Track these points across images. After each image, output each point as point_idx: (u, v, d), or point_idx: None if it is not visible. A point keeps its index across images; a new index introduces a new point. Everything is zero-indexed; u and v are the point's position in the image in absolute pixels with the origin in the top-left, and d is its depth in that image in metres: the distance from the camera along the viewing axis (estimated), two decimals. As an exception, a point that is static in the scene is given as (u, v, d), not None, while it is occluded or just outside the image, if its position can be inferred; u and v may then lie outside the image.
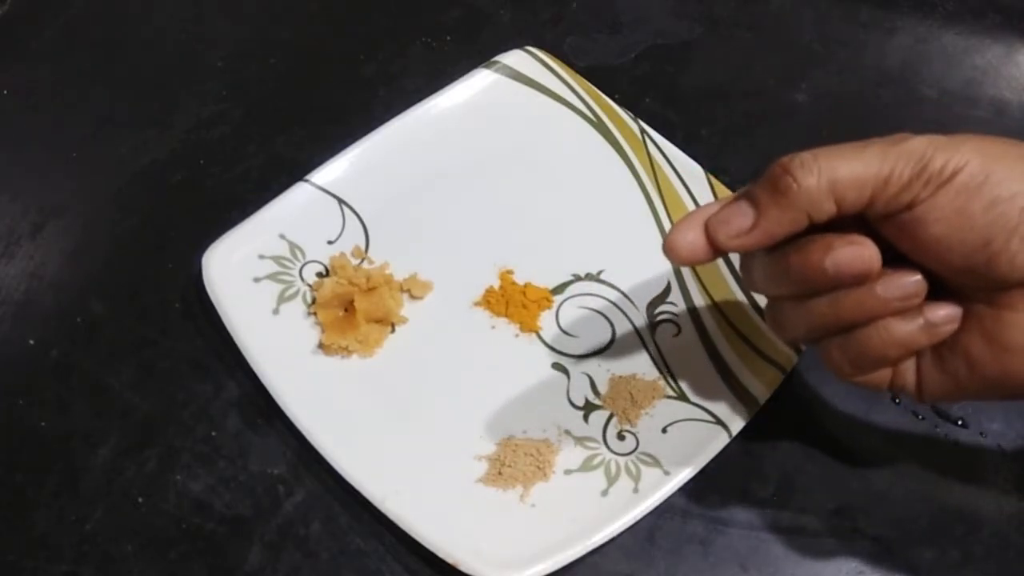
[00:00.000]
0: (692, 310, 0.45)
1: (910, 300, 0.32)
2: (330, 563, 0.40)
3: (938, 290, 0.33)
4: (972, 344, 0.33)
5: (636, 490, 0.40)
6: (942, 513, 0.41)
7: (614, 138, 0.50)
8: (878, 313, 0.33)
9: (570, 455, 0.42)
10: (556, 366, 0.44)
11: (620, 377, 0.43)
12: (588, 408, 0.43)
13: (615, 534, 0.39)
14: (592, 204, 0.48)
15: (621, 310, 0.45)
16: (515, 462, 0.41)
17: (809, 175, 0.31)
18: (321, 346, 0.44)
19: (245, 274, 0.45)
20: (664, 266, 0.46)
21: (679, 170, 0.48)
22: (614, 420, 0.42)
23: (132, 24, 0.56)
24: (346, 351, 0.44)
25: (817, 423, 0.42)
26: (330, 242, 0.47)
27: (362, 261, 0.47)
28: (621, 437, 0.42)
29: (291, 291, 0.45)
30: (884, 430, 0.42)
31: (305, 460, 0.42)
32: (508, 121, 0.50)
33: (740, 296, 0.45)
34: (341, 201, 0.48)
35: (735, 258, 0.46)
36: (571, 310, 0.45)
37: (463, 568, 0.38)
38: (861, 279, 0.32)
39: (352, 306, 0.44)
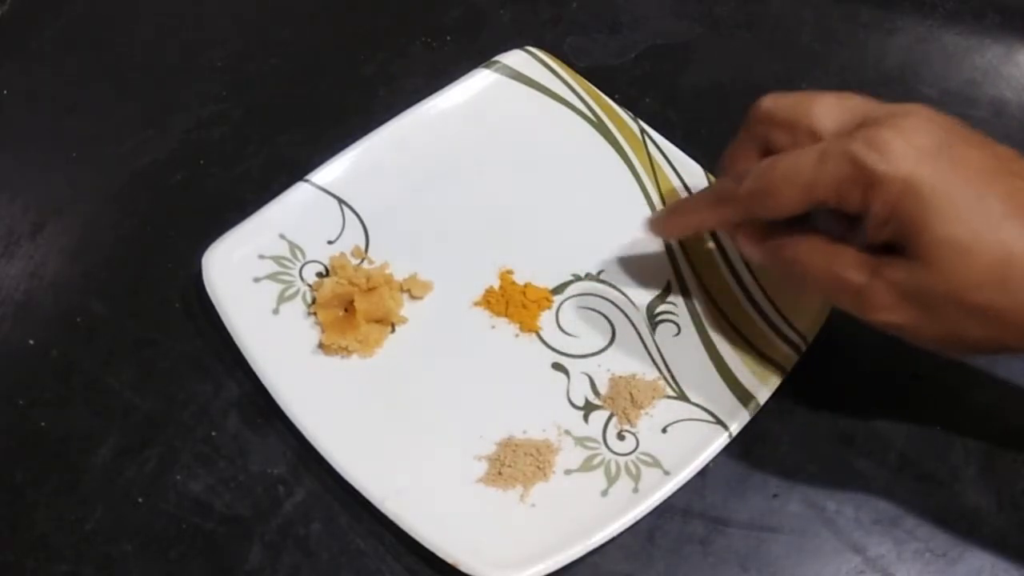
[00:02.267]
0: (692, 310, 0.45)
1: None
2: (330, 563, 0.40)
3: None
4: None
5: (636, 490, 0.40)
6: (942, 512, 0.41)
7: (614, 138, 0.50)
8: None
9: (570, 455, 0.42)
10: (556, 366, 0.44)
11: (620, 377, 0.43)
12: (588, 408, 0.43)
13: (615, 534, 0.39)
14: (592, 204, 0.48)
15: (621, 310, 0.45)
16: (515, 462, 0.41)
17: (746, 182, 0.36)
18: (321, 346, 0.44)
19: (245, 274, 0.45)
20: (664, 266, 0.46)
21: (679, 170, 0.48)
22: (614, 420, 0.42)
23: (132, 24, 0.56)
24: (346, 351, 0.44)
25: (817, 423, 0.42)
26: (330, 242, 0.47)
27: (362, 261, 0.47)
28: (621, 437, 0.42)
29: (291, 291, 0.45)
30: (883, 430, 0.42)
31: (305, 460, 0.42)
32: (508, 121, 0.50)
33: (740, 296, 0.45)
34: (341, 201, 0.47)
35: (735, 258, 0.46)
36: (571, 310, 0.45)
37: (463, 568, 0.38)
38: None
39: (352, 306, 0.44)
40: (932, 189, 0.32)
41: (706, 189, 0.41)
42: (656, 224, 0.43)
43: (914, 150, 0.33)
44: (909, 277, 0.34)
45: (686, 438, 0.41)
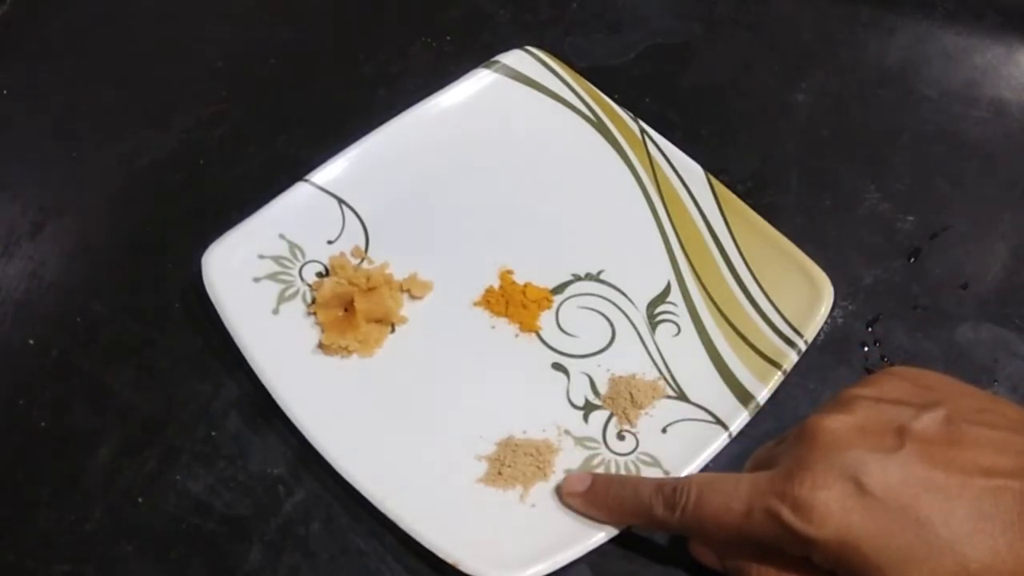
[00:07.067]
0: (692, 310, 0.45)
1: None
2: (330, 563, 0.40)
3: None
4: None
5: (636, 490, 0.40)
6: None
7: (614, 138, 0.50)
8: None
9: (570, 455, 0.42)
10: (556, 366, 0.44)
11: (620, 377, 0.43)
12: (588, 408, 0.43)
13: (615, 534, 0.39)
14: (592, 204, 0.48)
15: (621, 310, 0.45)
16: (515, 462, 0.41)
17: (672, 515, 0.35)
18: (321, 346, 0.44)
19: (245, 274, 0.45)
20: (664, 266, 0.46)
21: (679, 170, 0.48)
22: (614, 420, 0.42)
23: (132, 24, 0.56)
24: (346, 351, 0.44)
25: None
26: (330, 242, 0.47)
27: (362, 261, 0.47)
28: (621, 437, 0.42)
29: (291, 291, 0.45)
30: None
31: (305, 460, 0.42)
32: (508, 121, 0.50)
33: (740, 296, 0.45)
34: (341, 201, 0.48)
35: (735, 258, 0.46)
36: (571, 310, 0.45)
37: (463, 568, 0.38)
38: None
39: (352, 306, 0.44)
40: (868, 539, 0.31)
41: (633, 490, 0.37)
42: (573, 496, 0.39)
43: (836, 503, 0.31)
44: None
45: (686, 438, 0.41)
